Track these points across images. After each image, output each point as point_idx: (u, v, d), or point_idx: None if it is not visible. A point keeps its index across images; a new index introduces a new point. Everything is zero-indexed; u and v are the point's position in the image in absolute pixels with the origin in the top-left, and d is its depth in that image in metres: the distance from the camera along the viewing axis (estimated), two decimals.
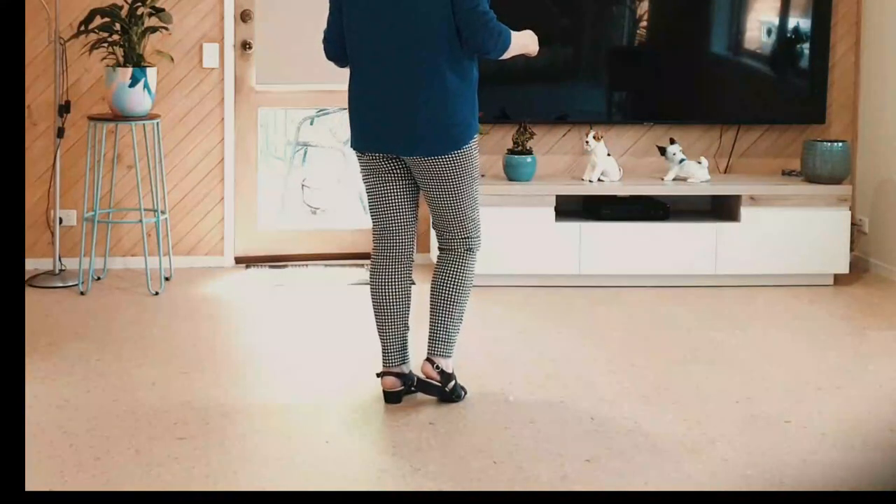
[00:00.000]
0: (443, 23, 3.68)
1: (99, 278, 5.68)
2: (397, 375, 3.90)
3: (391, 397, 3.91)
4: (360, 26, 3.85)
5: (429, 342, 3.91)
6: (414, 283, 4.06)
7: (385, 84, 3.78)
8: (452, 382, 3.89)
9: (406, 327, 3.94)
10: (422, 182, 3.86)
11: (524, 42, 3.83)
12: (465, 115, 3.77)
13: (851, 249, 5.86)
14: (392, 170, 3.88)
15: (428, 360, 3.89)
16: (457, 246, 3.91)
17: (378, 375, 3.95)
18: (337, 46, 4.02)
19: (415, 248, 3.99)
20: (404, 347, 3.93)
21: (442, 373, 3.87)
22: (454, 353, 3.93)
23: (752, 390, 4.11)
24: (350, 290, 5.64)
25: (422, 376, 3.91)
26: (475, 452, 3.49)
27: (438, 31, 3.69)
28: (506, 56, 3.76)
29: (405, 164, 3.85)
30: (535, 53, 3.92)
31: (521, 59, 4.02)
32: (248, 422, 3.78)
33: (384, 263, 3.94)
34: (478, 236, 3.93)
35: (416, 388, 3.92)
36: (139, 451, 3.47)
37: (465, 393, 3.95)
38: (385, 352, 3.93)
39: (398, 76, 3.75)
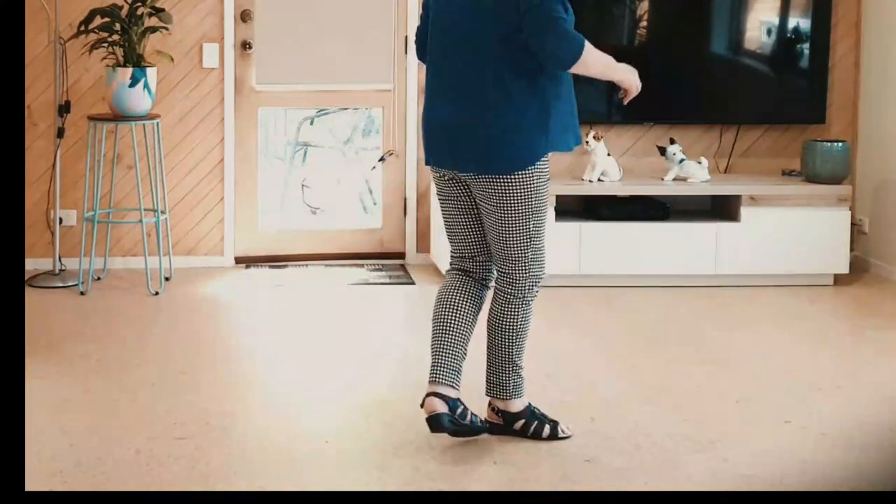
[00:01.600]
0: (505, 25, 3.31)
1: (99, 278, 5.68)
2: (441, 397, 3.45)
3: (434, 422, 3.43)
4: (433, 28, 3.50)
5: (486, 383, 3.62)
6: (478, 309, 3.61)
7: (446, 92, 3.45)
8: (522, 421, 3.56)
9: (461, 349, 3.52)
10: (478, 203, 3.50)
11: (611, 64, 3.41)
12: (524, 134, 3.34)
13: (851, 249, 5.85)
14: (456, 187, 3.53)
15: (489, 402, 3.63)
16: (504, 287, 3.50)
17: (422, 405, 3.51)
18: (422, 48, 3.62)
19: (492, 272, 3.60)
20: (456, 369, 3.50)
21: (502, 413, 3.58)
22: (518, 392, 3.57)
23: (752, 390, 4.11)
24: (350, 290, 5.64)
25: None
26: (475, 452, 3.48)
27: (499, 35, 3.32)
28: (583, 71, 3.32)
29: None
30: (634, 91, 3.48)
31: None
32: (248, 422, 3.78)
33: (456, 277, 3.60)
34: (528, 284, 3.48)
35: (484, 427, 3.57)
36: (139, 451, 3.47)
37: (554, 430, 3.57)
38: (433, 364, 3.50)
39: (457, 84, 3.42)
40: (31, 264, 5.77)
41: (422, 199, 6.11)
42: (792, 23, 6.09)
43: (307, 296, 5.53)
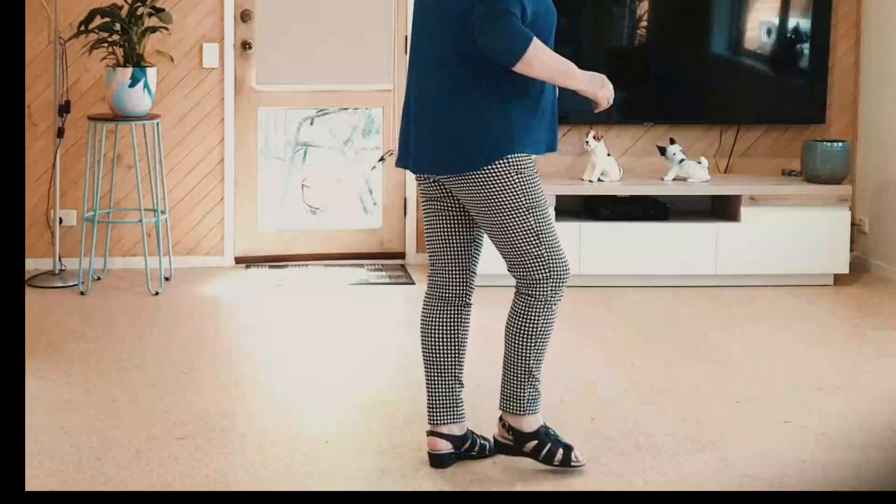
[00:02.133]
0: (463, 21, 3.19)
1: (99, 278, 5.68)
2: (444, 437, 3.39)
3: (435, 460, 3.38)
4: (412, 29, 3.43)
5: (500, 395, 3.41)
6: (466, 329, 3.46)
7: (414, 92, 3.35)
8: (534, 442, 3.34)
9: (457, 381, 3.41)
10: (471, 212, 3.35)
11: (568, 71, 3.21)
12: (484, 130, 3.20)
13: (851, 249, 5.85)
14: (437, 193, 3.38)
15: (500, 417, 3.42)
16: (524, 290, 3.30)
17: (427, 433, 3.44)
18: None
19: (471, 289, 3.43)
20: (454, 404, 3.41)
21: (513, 431, 3.37)
22: (533, 407, 3.36)
23: (752, 390, 4.11)
24: (350, 290, 5.64)
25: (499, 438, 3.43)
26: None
27: (458, 31, 3.20)
28: (530, 72, 3.14)
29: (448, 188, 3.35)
30: (603, 102, 3.32)
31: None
32: (249, 421, 3.78)
33: (432, 304, 3.43)
34: (550, 286, 3.27)
35: (491, 451, 3.44)
36: (139, 451, 3.47)
37: (567, 455, 3.34)
38: (429, 407, 3.42)
39: (422, 82, 3.31)
40: (31, 264, 5.77)
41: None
42: (792, 23, 6.09)
43: (307, 296, 5.53)
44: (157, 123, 5.63)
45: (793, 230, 5.64)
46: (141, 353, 4.52)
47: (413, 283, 5.74)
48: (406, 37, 6.05)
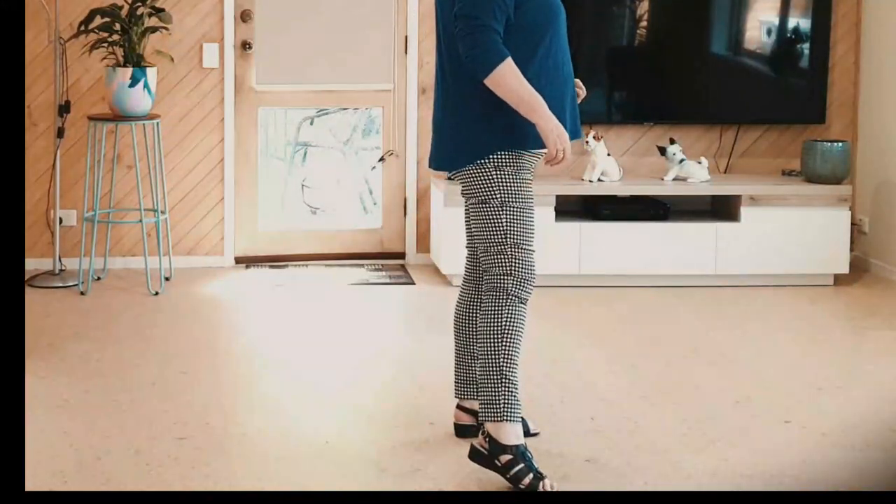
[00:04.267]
0: (450, 30, 3.32)
1: (99, 278, 5.68)
2: (466, 410, 3.59)
3: (458, 430, 3.59)
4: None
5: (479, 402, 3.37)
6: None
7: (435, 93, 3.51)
8: (508, 456, 3.22)
9: (468, 357, 3.57)
10: None
11: (531, 103, 3.19)
12: (469, 130, 3.30)
13: (851, 249, 5.85)
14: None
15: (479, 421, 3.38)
16: (487, 287, 3.35)
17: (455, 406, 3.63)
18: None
19: None
20: (466, 381, 3.57)
21: (490, 440, 3.26)
22: (512, 414, 3.25)
23: (752, 390, 4.11)
24: (350, 290, 5.64)
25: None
26: None
27: (449, 37, 3.33)
28: (497, 90, 3.19)
29: None
30: (551, 152, 3.23)
31: None
32: (248, 422, 3.78)
33: (464, 287, 3.58)
34: (506, 274, 3.30)
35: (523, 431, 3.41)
36: (139, 451, 3.47)
37: (537, 481, 3.20)
38: (455, 381, 3.62)
39: (436, 85, 3.46)
40: (31, 264, 5.77)
41: (422, 199, 6.11)
42: (792, 23, 6.09)
43: (307, 296, 5.53)
44: (157, 123, 5.63)
45: (793, 230, 5.64)
46: (141, 353, 4.52)
47: (413, 283, 5.74)
48: (406, 37, 6.05)
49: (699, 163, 5.81)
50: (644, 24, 6.12)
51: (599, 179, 5.77)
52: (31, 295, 5.32)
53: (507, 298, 3.31)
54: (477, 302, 3.53)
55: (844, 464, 3.45)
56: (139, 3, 5.40)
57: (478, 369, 3.33)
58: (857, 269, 5.94)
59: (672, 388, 4.14)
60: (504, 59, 3.17)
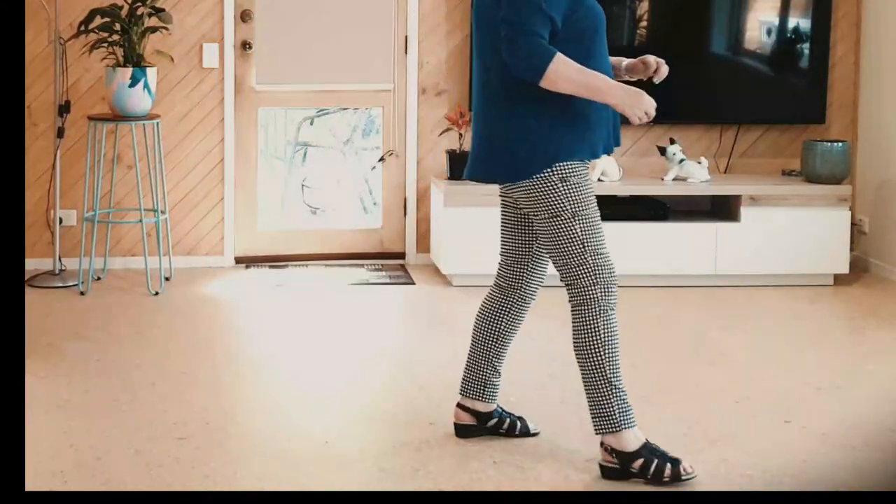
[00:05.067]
0: (493, 37, 3.27)
1: (99, 278, 5.68)
2: (466, 410, 3.58)
3: (458, 430, 3.59)
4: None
5: (589, 414, 3.35)
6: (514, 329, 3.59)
7: (473, 101, 3.49)
8: (639, 461, 3.25)
9: (490, 366, 3.56)
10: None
11: (592, 86, 3.22)
12: (527, 141, 3.28)
13: (851, 249, 5.85)
14: (503, 198, 3.54)
15: (601, 442, 3.32)
16: (575, 303, 3.34)
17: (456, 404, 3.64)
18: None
19: (529, 286, 3.54)
20: (483, 384, 3.56)
21: (615, 453, 3.28)
22: (628, 421, 3.28)
23: (752, 390, 4.11)
24: (350, 290, 5.64)
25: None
26: (475, 452, 3.48)
27: (493, 46, 3.28)
28: (555, 88, 3.19)
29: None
30: (633, 121, 3.33)
31: None
32: (248, 422, 3.78)
33: (492, 288, 3.59)
34: (591, 283, 3.30)
35: (523, 431, 3.58)
36: (139, 451, 3.47)
37: (677, 466, 3.26)
38: (462, 379, 3.60)
39: (475, 92, 3.44)
40: (31, 264, 5.76)
41: (422, 199, 6.11)
42: (792, 23, 6.09)
43: (307, 296, 5.53)
44: (157, 123, 5.63)
45: (793, 230, 5.64)
46: (141, 353, 4.52)
47: (413, 283, 5.74)
48: (406, 37, 6.05)
49: (699, 163, 5.81)
50: (644, 24, 6.11)
51: (599, 179, 5.77)
52: (31, 295, 5.32)
53: (599, 310, 3.31)
54: (504, 309, 3.55)
55: (844, 464, 3.45)
56: (139, 3, 5.40)
57: (584, 383, 3.32)
58: (857, 269, 5.94)
59: (672, 388, 4.14)
60: (553, 56, 3.16)
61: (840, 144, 5.77)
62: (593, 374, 3.29)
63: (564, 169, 3.29)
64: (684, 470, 3.25)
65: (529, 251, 3.52)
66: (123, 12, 5.40)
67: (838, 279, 5.74)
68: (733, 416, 3.85)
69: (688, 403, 3.97)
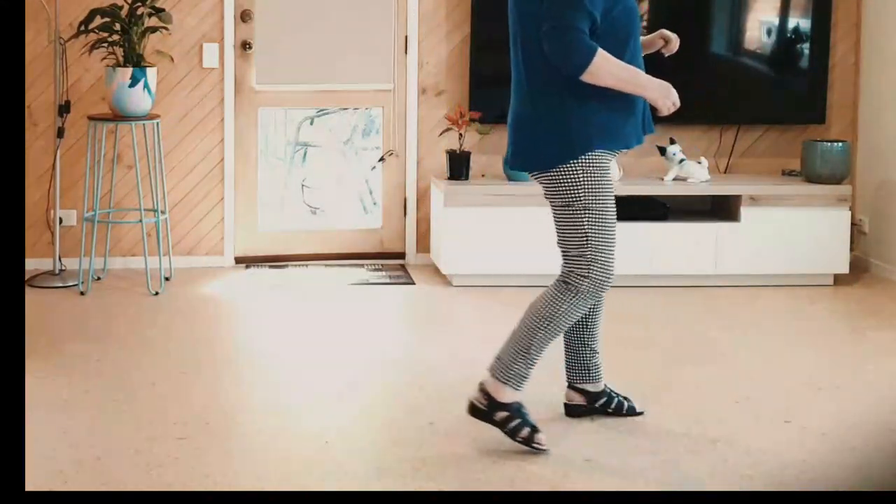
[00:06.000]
0: (532, 30, 3.37)
1: (99, 278, 5.68)
2: (578, 391, 3.76)
3: (567, 409, 3.77)
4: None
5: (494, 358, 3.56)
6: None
7: (512, 93, 3.57)
8: (504, 413, 3.47)
9: (587, 349, 3.73)
10: None
11: (632, 80, 3.39)
12: (552, 132, 3.40)
13: (851, 249, 5.85)
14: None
15: (482, 382, 3.55)
16: (561, 276, 3.50)
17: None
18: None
19: (573, 267, 3.53)
20: (580, 367, 3.74)
21: (484, 393, 3.49)
22: (511, 382, 3.47)
23: (752, 390, 4.11)
24: (350, 290, 5.64)
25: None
26: (475, 452, 3.48)
27: (528, 39, 3.40)
28: (595, 82, 3.32)
29: None
30: (663, 112, 3.46)
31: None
32: (249, 422, 3.78)
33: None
34: (583, 276, 3.44)
35: (630, 411, 3.76)
36: (139, 451, 3.47)
37: (533, 434, 3.46)
38: (566, 368, 3.78)
39: (512, 84, 3.53)
40: (31, 264, 5.76)
41: (422, 199, 6.11)
42: (792, 23, 6.09)
43: (307, 296, 5.53)
44: (157, 123, 5.63)
45: (793, 230, 5.64)
46: (141, 353, 4.52)
47: (413, 283, 5.74)
48: (406, 37, 6.06)
49: (699, 163, 5.81)
50: (644, 24, 6.11)
51: None
52: (31, 295, 5.32)
53: (574, 297, 3.46)
54: None
55: (844, 464, 3.45)
56: (139, 3, 5.40)
57: (513, 331, 3.48)
58: (857, 269, 5.94)
59: (672, 388, 4.14)
60: (595, 52, 3.29)
61: (840, 144, 5.77)
62: (525, 333, 3.46)
63: (593, 160, 3.41)
64: (538, 441, 3.44)
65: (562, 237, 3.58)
66: (123, 12, 5.40)
67: (838, 279, 5.74)
68: (733, 416, 3.85)
69: (688, 403, 3.97)
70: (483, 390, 3.50)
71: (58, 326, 4.89)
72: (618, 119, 3.45)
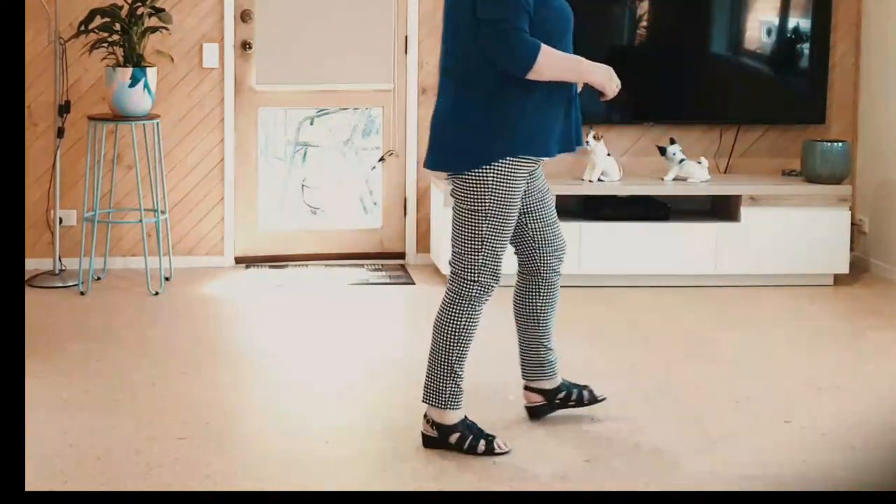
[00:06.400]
0: (464, 30, 3.34)
1: (99, 278, 5.68)
2: (535, 391, 3.75)
3: (530, 412, 3.76)
4: None
5: (424, 388, 3.55)
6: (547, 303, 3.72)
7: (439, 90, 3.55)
8: (455, 435, 3.45)
9: (541, 347, 3.71)
10: None
11: (575, 68, 3.37)
12: (467, 138, 3.36)
13: (851, 249, 5.85)
14: None
15: (425, 413, 3.55)
16: (451, 285, 3.48)
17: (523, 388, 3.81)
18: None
19: (545, 266, 3.65)
20: (534, 364, 3.72)
21: (430, 423, 3.50)
22: (450, 405, 3.47)
23: (752, 390, 4.11)
24: (350, 290, 5.64)
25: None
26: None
27: (460, 39, 3.37)
28: (540, 77, 3.29)
29: None
30: (608, 92, 3.48)
31: None
32: (249, 422, 3.78)
33: (518, 281, 3.71)
34: (473, 280, 3.42)
35: (591, 400, 3.76)
36: (139, 451, 3.47)
37: (491, 443, 3.46)
38: (521, 365, 3.77)
39: (439, 72, 3.52)
40: (31, 264, 5.76)
41: (422, 199, 6.11)
42: (792, 23, 6.09)
43: (307, 296, 5.53)
44: (157, 123, 5.63)
45: (793, 230, 5.64)
46: (141, 353, 4.52)
47: (413, 283, 5.74)
48: (406, 37, 6.06)
49: (699, 163, 5.81)
50: (644, 24, 6.11)
51: (599, 179, 5.77)
52: (31, 295, 5.32)
53: (468, 302, 3.44)
54: (532, 292, 3.67)
55: (844, 464, 3.45)
56: (139, 3, 5.40)
57: (429, 356, 3.49)
58: (857, 269, 5.94)
59: (672, 388, 4.14)
60: (539, 49, 3.27)
61: (840, 144, 5.77)
62: (440, 353, 3.46)
63: (508, 166, 3.38)
64: (498, 446, 3.45)
65: (534, 232, 3.62)
66: (123, 12, 5.40)
67: (838, 279, 5.74)
68: (733, 416, 3.85)
69: (688, 403, 3.97)
70: (429, 420, 3.50)
71: (58, 326, 4.89)
72: (540, 126, 3.39)
